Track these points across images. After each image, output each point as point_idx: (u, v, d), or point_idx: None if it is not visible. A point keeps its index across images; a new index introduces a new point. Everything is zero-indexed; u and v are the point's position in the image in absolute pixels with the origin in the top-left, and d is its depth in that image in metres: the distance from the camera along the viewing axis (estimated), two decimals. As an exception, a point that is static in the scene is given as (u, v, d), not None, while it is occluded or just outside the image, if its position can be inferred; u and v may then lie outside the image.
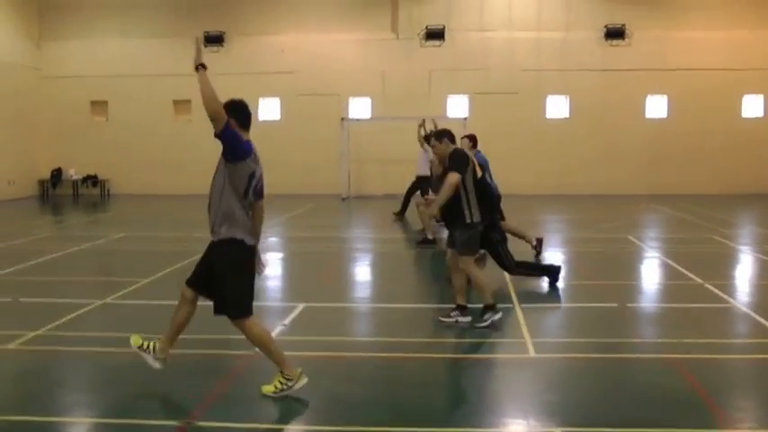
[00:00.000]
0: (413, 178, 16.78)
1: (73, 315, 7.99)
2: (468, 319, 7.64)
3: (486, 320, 7.53)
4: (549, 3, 24.97)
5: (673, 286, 10.21)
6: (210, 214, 5.47)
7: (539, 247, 11.96)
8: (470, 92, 24.98)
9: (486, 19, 24.97)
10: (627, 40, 24.66)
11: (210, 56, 24.79)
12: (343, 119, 24.04)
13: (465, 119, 23.40)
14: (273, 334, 7.17)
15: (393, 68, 24.96)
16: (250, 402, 5.47)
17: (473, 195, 7.51)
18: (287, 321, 7.86)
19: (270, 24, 25.27)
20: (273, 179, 25.98)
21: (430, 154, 14.97)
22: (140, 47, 25.38)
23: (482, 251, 9.73)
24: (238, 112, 5.40)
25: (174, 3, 25.46)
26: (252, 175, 5.42)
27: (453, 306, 7.75)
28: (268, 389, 5.50)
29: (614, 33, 24.65)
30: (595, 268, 11.68)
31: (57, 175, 25.84)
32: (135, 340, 5.81)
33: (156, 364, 5.75)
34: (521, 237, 11.89)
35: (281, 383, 5.49)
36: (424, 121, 16.08)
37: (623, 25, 24.58)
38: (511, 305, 8.59)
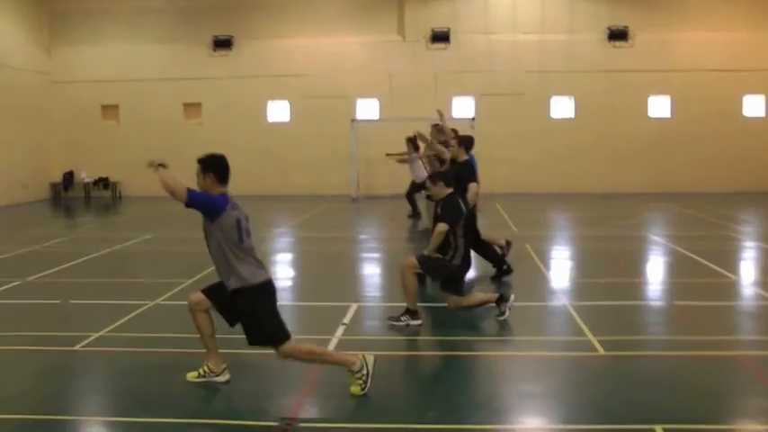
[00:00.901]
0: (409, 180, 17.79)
1: (131, 315, 8.32)
2: (419, 322, 7.85)
3: (402, 321, 7.82)
4: (552, 5, 25.37)
5: (711, 284, 10.41)
6: (221, 273, 5.77)
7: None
8: (476, 93, 25.36)
9: (490, 21, 25.36)
10: (630, 41, 25.10)
11: (219, 60, 25.40)
12: (353, 120, 24.39)
13: (473, 119, 23.82)
14: (337, 333, 7.60)
15: (400, 70, 25.34)
16: (340, 401, 5.66)
17: (461, 241, 7.85)
18: (346, 320, 8.18)
19: (278, 28, 25.58)
20: (283, 181, 26.61)
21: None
22: (150, 51, 25.67)
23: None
24: (216, 167, 5.73)
25: (183, 7, 25.74)
26: (238, 222, 5.68)
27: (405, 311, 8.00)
28: (355, 390, 5.72)
29: (617, 35, 25.08)
30: (629, 266, 12.03)
31: (68, 178, 26.14)
32: (191, 375, 6.05)
33: (223, 378, 6.02)
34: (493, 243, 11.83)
35: (359, 378, 5.71)
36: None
37: (626, 27, 25.01)
38: (562, 303, 8.95)
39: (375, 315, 8.69)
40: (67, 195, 26.25)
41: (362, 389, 5.69)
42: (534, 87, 25.18)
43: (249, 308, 5.64)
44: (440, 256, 7.83)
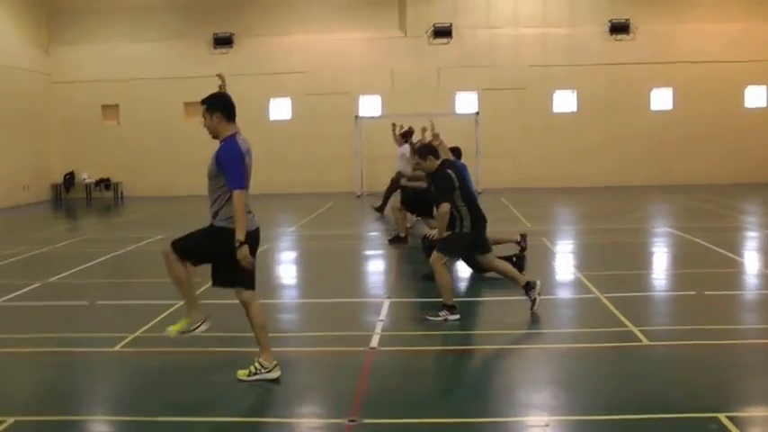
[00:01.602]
0: (392, 175, 17.62)
1: (164, 315, 8.17)
2: (457, 316, 7.79)
3: (440, 316, 7.73)
4: (553, -1, 25.39)
5: (736, 273, 10.50)
6: (212, 207, 5.81)
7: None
8: (478, 88, 25.33)
9: (492, 16, 25.33)
10: (631, 34, 25.14)
11: (220, 57, 25.21)
12: (356, 117, 24.29)
13: (477, 113, 23.79)
14: (377, 329, 7.55)
15: (402, 66, 25.27)
16: (400, 397, 5.65)
17: (464, 208, 7.83)
18: (382, 317, 8.11)
19: (279, 25, 25.47)
20: (285, 178, 26.44)
21: (406, 151, 16.27)
22: (150, 50, 25.51)
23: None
24: (222, 105, 5.69)
25: (183, 5, 25.59)
26: (247, 171, 5.74)
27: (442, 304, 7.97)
28: (243, 373, 5.89)
29: (619, 28, 25.13)
30: (651, 258, 12.18)
31: (69, 179, 25.96)
32: (242, 373, 5.95)
33: (205, 326, 5.96)
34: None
35: (255, 369, 5.87)
36: (394, 124, 17.47)
37: (627, 20, 25.05)
38: (593, 295, 8.91)
39: (409, 310, 8.66)
40: (68, 196, 26.06)
41: (247, 376, 5.86)
42: (537, 81, 25.17)
43: (229, 249, 5.58)
44: (450, 232, 7.83)
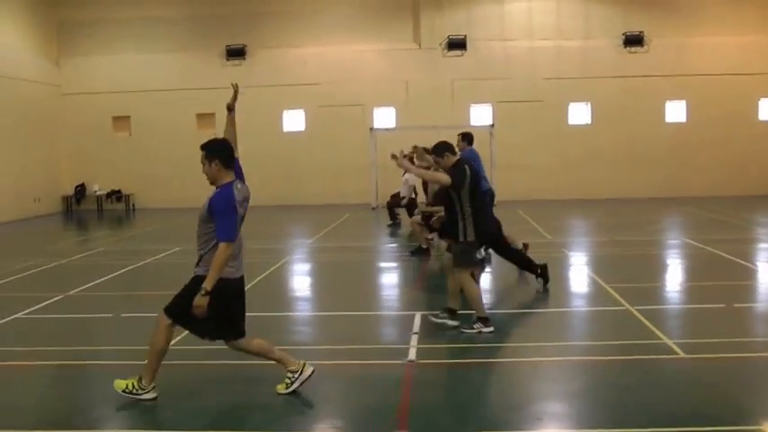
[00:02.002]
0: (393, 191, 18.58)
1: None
2: (457, 323, 7.83)
3: (475, 328, 7.68)
4: (568, 12, 25.32)
5: (761, 285, 10.58)
6: (198, 253, 5.73)
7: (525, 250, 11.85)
8: (493, 100, 25.23)
9: (506, 28, 25.28)
10: (645, 46, 25.06)
11: (233, 69, 25.11)
12: (371, 129, 24.19)
13: (492, 126, 23.72)
14: (412, 342, 7.48)
15: (416, 78, 25.18)
16: (446, 410, 5.59)
17: (469, 214, 7.63)
18: (416, 329, 7.98)
19: (292, 37, 25.42)
20: (299, 190, 26.28)
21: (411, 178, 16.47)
22: (161, 61, 25.46)
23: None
24: (221, 153, 5.66)
25: (195, 17, 25.56)
26: (239, 221, 5.68)
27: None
28: (280, 387, 5.85)
29: (633, 40, 25.06)
30: (674, 270, 12.17)
31: (80, 190, 25.85)
32: (280, 387, 5.91)
33: (152, 395, 5.83)
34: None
35: (288, 378, 5.86)
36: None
37: (641, 32, 24.99)
38: (623, 307, 8.79)
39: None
40: (80, 208, 25.94)
41: (287, 387, 5.83)
42: (551, 94, 25.09)
43: (213, 301, 5.49)
44: (456, 240, 7.72)
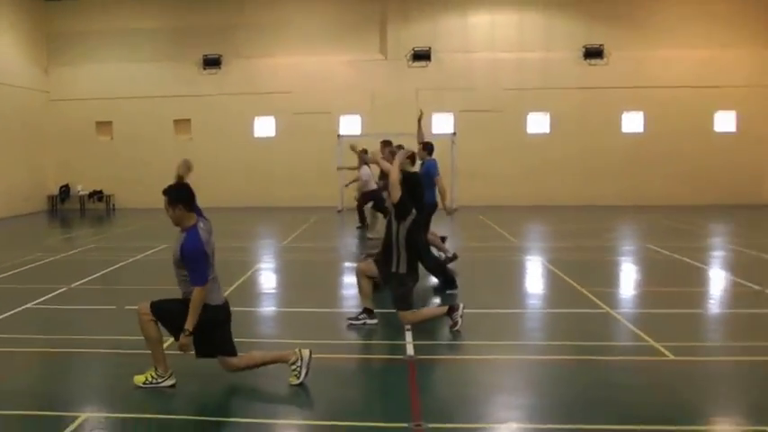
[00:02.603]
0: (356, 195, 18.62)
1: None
2: (375, 321, 8.22)
3: (359, 319, 8.25)
4: (530, 24, 26.27)
5: (732, 292, 10.66)
6: (181, 288, 6.13)
7: (453, 258, 12.14)
8: (456, 110, 26.24)
9: (470, 41, 26.30)
10: (605, 59, 25.94)
11: (209, 77, 26.43)
12: (339, 136, 25.30)
13: (454, 134, 24.75)
14: (407, 338, 7.81)
15: (382, 88, 26.28)
16: (455, 403, 5.86)
17: (404, 248, 7.75)
18: (408, 326, 8.14)
19: (265, 47, 26.65)
20: (269, 193, 27.27)
21: (368, 169, 17.15)
22: (143, 70, 26.79)
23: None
24: (184, 199, 5.98)
25: (174, 28, 26.84)
26: (209, 259, 6.05)
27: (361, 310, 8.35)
28: (292, 380, 6.18)
29: (593, 53, 25.92)
30: (643, 275, 12.39)
31: (65, 190, 27.27)
32: (138, 379, 6.19)
33: (170, 382, 6.19)
34: (439, 248, 12.08)
35: (294, 370, 6.21)
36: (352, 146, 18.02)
37: (601, 45, 25.85)
38: (603, 310, 9.11)
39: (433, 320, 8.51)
40: (63, 207, 27.34)
41: (297, 378, 6.17)
42: (512, 104, 26.06)
43: (204, 323, 5.93)
44: (389, 270, 7.82)
